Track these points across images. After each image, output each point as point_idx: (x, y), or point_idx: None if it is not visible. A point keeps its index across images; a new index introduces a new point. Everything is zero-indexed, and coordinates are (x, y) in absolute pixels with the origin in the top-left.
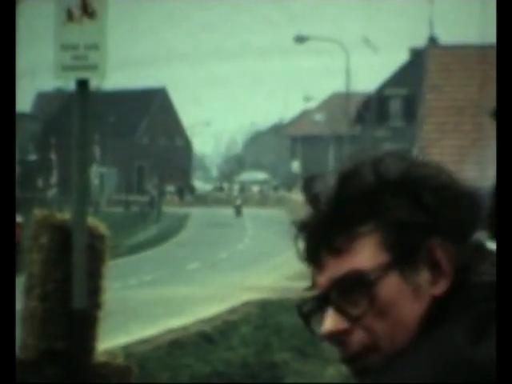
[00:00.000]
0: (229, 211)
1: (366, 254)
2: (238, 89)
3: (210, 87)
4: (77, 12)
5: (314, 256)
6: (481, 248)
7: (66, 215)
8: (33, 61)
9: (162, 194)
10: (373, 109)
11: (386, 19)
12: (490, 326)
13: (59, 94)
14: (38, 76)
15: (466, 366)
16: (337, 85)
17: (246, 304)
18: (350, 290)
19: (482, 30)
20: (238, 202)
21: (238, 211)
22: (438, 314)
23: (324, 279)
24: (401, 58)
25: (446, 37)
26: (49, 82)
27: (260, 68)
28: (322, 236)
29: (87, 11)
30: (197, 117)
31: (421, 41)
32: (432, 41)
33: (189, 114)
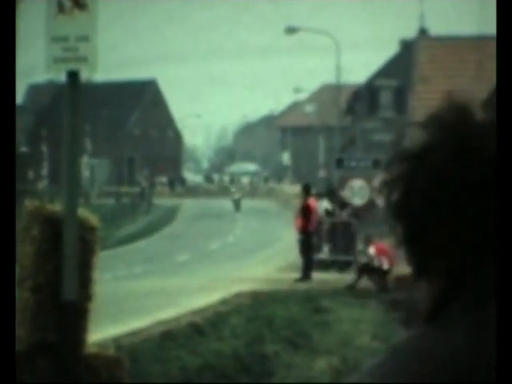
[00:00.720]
0: (219, 202)
1: None
2: (237, 87)
3: (208, 86)
4: (68, 4)
5: None
6: None
7: (57, 207)
8: (32, 60)
9: (152, 185)
10: (363, 100)
11: (382, 17)
12: (487, 330)
13: (50, 86)
14: (33, 73)
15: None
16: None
17: (237, 295)
18: None
19: (478, 20)
20: (237, 195)
21: (237, 205)
22: (440, 311)
23: None
24: (391, 50)
25: (437, 29)
26: (42, 75)
27: (258, 67)
28: None
29: (78, 3)
30: (184, 109)
31: (411, 33)
32: (422, 32)
33: (187, 111)
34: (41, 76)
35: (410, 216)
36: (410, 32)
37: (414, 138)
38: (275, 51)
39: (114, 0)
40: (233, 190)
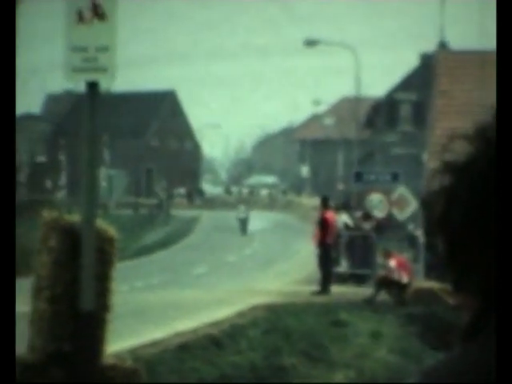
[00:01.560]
0: (239, 214)
1: None
2: (240, 89)
3: (210, 87)
4: (87, 14)
5: None
6: None
7: (74, 217)
8: (34, 61)
9: (170, 196)
10: (382, 113)
11: (392, 20)
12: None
13: (69, 96)
14: (45, 77)
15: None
16: (346, 88)
17: (254, 308)
18: None
19: (491, 34)
20: (243, 212)
21: (243, 226)
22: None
23: None
24: (410, 61)
25: (458, 41)
26: (57, 82)
27: (261, 68)
28: None
29: (97, 13)
30: (201, 118)
31: (431, 45)
32: (442, 45)
33: (191, 114)
34: (48, 76)
35: (451, 230)
36: (430, 46)
37: (457, 150)
38: (278, 49)
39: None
40: (240, 206)
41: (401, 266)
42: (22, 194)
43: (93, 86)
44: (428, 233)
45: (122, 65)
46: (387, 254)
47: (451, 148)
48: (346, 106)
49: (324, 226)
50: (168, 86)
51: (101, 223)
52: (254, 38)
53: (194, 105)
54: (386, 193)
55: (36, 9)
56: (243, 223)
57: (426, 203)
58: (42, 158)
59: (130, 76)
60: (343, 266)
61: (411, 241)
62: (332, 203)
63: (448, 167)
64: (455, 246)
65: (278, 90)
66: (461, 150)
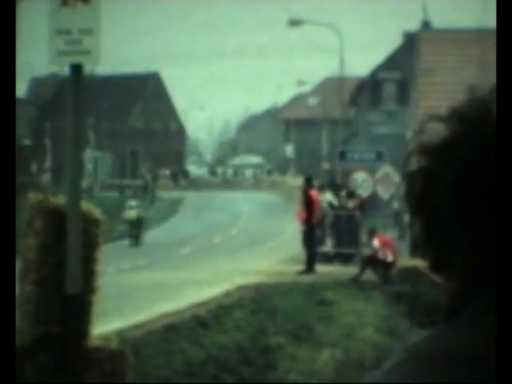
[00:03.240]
0: (222, 195)
1: None
2: (237, 88)
3: (208, 86)
4: None
5: None
6: None
7: (60, 200)
8: (33, 58)
9: (155, 178)
10: (366, 92)
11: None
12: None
13: (53, 79)
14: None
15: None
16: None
17: (240, 288)
18: None
19: (481, 13)
20: (132, 212)
21: (135, 236)
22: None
23: None
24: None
25: (440, 21)
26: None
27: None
28: None
29: None
30: (186, 100)
31: (415, 24)
32: (425, 24)
33: (189, 114)
34: (42, 73)
35: (430, 209)
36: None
37: (434, 131)
38: (277, 48)
39: (113, 1)
40: (130, 201)
41: (385, 244)
42: None
43: (77, 69)
44: (409, 212)
45: (121, 65)
46: (371, 234)
47: (427, 129)
48: (330, 86)
49: (309, 205)
50: (168, 85)
51: (86, 205)
52: (253, 37)
53: (193, 104)
54: (371, 172)
55: (36, 9)
56: (136, 232)
57: (404, 183)
58: (26, 141)
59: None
60: (328, 245)
61: (396, 219)
62: (317, 182)
63: (425, 148)
64: (433, 226)
65: (262, 71)
66: (437, 132)
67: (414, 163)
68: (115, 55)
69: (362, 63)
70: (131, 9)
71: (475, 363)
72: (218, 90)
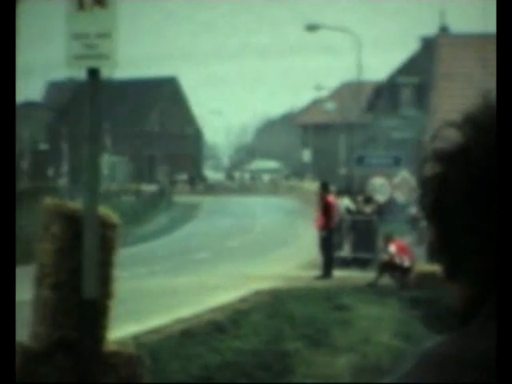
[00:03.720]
0: (240, 200)
1: None
2: (239, 88)
3: (210, 86)
4: (88, 1)
5: None
6: None
7: (77, 204)
8: (34, 58)
9: (172, 182)
10: (384, 97)
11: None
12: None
13: (71, 84)
14: (50, 71)
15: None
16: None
17: (257, 293)
18: None
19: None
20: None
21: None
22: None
23: None
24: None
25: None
26: (61, 74)
27: (261, 67)
28: None
29: (98, 0)
30: (203, 105)
31: (433, 30)
32: (443, 29)
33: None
34: (55, 73)
35: (445, 215)
36: (431, 29)
37: (448, 137)
38: (297, 48)
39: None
40: None
41: (401, 250)
42: (24, 182)
43: (94, 73)
44: (422, 218)
45: (122, 64)
46: (387, 239)
47: (441, 135)
48: (348, 91)
49: (326, 210)
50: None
51: (103, 210)
52: (254, 38)
53: (194, 104)
54: (388, 177)
55: (36, 8)
56: None
57: (419, 189)
58: (44, 146)
59: (130, 75)
60: (346, 250)
61: (413, 224)
62: (334, 187)
63: (439, 155)
64: (447, 234)
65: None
66: (451, 138)
67: (429, 169)
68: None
69: (375, 65)
70: (131, 9)
71: (487, 368)
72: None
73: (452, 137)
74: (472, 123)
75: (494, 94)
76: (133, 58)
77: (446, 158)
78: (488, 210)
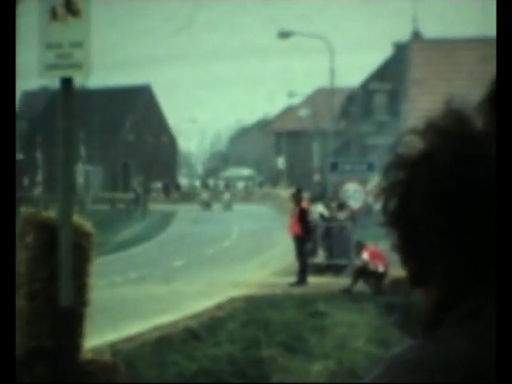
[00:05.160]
0: (214, 207)
1: None
2: (234, 89)
3: (206, 88)
4: (61, 10)
5: None
6: None
7: (51, 213)
8: (29, 61)
9: (147, 191)
10: (357, 103)
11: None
12: (488, 340)
13: (44, 93)
14: (23, 76)
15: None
16: (321, 81)
17: (233, 300)
18: None
19: (478, 21)
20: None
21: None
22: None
23: None
24: (385, 54)
25: (432, 31)
26: (34, 81)
27: (256, 69)
28: None
29: (71, 10)
30: (177, 113)
31: (405, 36)
32: (415, 35)
33: (184, 114)
34: (26, 80)
35: (409, 223)
36: (405, 33)
37: (412, 144)
38: (271, 53)
39: (112, 1)
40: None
41: (375, 256)
42: None
43: (67, 82)
44: (385, 225)
45: (121, 65)
46: (359, 247)
47: (404, 142)
48: (321, 97)
49: (299, 217)
50: (168, 86)
51: (77, 219)
52: (254, 38)
53: (193, 105)
54: (362, 183)
55: (36, 8)
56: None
57: (382, 196)
58: (18, 155)
59: (130, 76)
60: (320, 257)
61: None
62: (308, 194)
63: (402, 161)
64: (412, 239)
65: (258, 81)
66: (414, 144)
67: (393, 176)
68: (114, 56)
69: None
70: (130, 10)
71: (458, 370)
72: (216, 93)
73: (415, 143)
74: (435, 130)
75: (456, 99)
76: (132, 58)
77: (409, 164)
78: (452, 215)
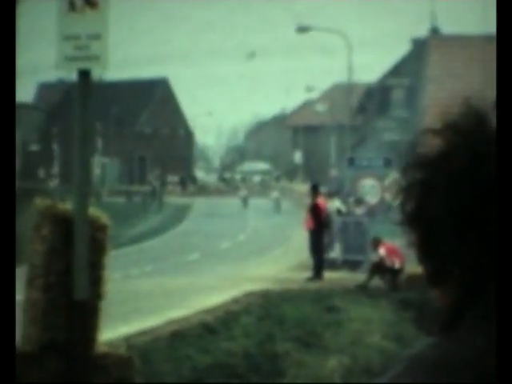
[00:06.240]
0: (230, 201)
1: None
2: (238, 88)
3: (209, 87)
4: (79, 2)
5: None
6: None
7: (67, 205)
8: (34, 59)
9: (163, 184)
10: (375, 99)
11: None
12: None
13: (61, 85)
14: (40, 72)
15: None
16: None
17: (248, 294)
18: None
19: (485, 20)
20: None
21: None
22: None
23: None
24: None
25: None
26: (51, 76)
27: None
28: None
29: (89, 1)
30: (194, 107)
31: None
32: (434, 31)
33: (193, 112)
34: (44, 74)
35: (426, 223)
36: (422, 30)
37: (430, 144)
38: (283, 51)
39: (112, 1)
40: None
41: (391, 252)
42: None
43: (85, 74)
44: (403, 224)
45: (121, 66)
46: (376, 243)
47: (422, 142)
48: (339, 92)
49: (316, 212)
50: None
51: (93, 211)
52: (253, 38)
53: (193, 104)
54: (379, 178)
55: (36, 8)
56: (245, 200)
57: (400, 196)
58: (34, 147)
59: (129, 76)
60: (336, 252)
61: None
62: (325, 189)
63: (420, 161)
64: (431, 239)
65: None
66: (432, 144)
67: (411, 176)
68: (114, 56)
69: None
70: (131, 9)
71: (476, 371)
72: (221, 92)
73: (433, 143)
74: (453, 129)
75: (475, 98)
76: (132, 58)
77: (427, 163)
78: (471, 215)
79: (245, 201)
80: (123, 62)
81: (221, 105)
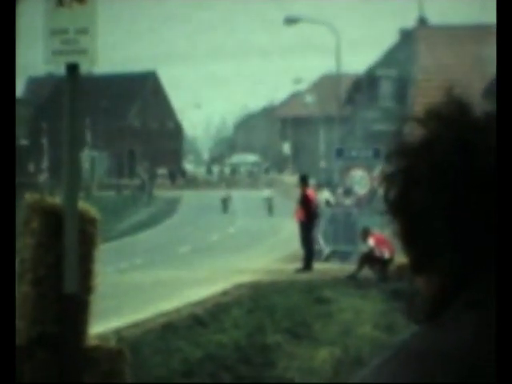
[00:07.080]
0: (220, 194)
1: None
2: (237, 89)
3: (208, 87)
4: None
5: None
6: None
7: (57, 199)
8: (32, 59)
9: (153, 177)
10: (363, 90)
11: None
12: (491, 327)
13: (50, 79)
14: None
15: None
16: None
17: (238, 286)
18: None
19: (479, 10)
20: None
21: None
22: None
23: None
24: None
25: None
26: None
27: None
28: None
29: None
30: (183, 99)
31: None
32: (421, 21)
33: (186, 112)
34: (39, 73)
35: (409, 211)
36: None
37: (413, 132)
38: (275, 49)
39: (112, 1)
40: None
41: (380, 242)
42: None
43: (73, 69)
44: (386, 212)
45: (121, 66)
46: (365, 234)
47: (405, 130)
48: (327, 84)
49: (305, 203)
50: (168, 85)
51: (83, 205)
52: (253, 38)
53: (191, 102)
54: (368, 169)
55: (36, 8)
56: (225, 203)
57: (383, 184)
58: (24, 141)
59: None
60: (320, 244)
61: None
62: (314, 180)
63: (403, 149)
64: (415, 227)
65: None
66: (415, 132)
67: (394, 164)
68: (114, 56)
69: (358, 62)
70: (131, 9)
71: (462, 359)
72: (218, 91)
73: (416, 131)
74: (436, 117)
75: (455, 88)
76: (132, 58)
77: (410, 152)
78: (452, 203)
79: (225, 203)
80: (122, 63)
81: (216, 101)
